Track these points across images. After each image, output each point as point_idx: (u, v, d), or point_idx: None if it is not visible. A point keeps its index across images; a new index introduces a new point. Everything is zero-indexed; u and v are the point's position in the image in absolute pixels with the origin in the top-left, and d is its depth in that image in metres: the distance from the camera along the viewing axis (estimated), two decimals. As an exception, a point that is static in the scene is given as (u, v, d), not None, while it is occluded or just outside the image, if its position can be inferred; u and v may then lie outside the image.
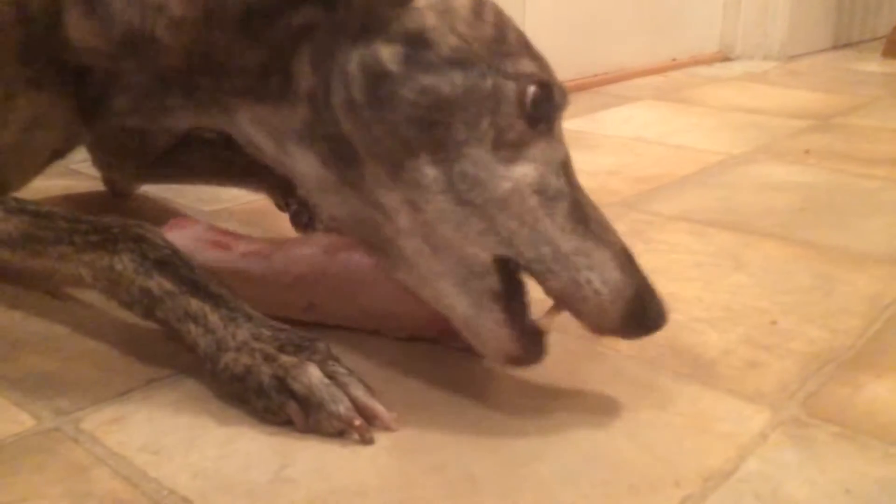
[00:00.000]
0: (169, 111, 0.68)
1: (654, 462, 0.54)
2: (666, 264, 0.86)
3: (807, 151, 1.33)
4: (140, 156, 0.93)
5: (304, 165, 0.61)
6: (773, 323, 0.73)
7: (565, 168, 0.59)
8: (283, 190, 0.90)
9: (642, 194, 1.10)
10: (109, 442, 0.54)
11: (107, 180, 1.03)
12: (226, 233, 0.71)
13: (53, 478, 0.51)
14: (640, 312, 0.56)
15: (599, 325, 0.57)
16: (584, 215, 0.58)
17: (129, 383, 0.61)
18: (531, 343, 0.58)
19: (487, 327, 0.57)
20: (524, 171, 0.57)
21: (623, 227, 0.97)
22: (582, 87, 1.82)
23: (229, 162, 0.93)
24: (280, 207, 0.91)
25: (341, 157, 0.59)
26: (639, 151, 1.33)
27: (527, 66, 0.58)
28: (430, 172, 0.56)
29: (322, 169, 0.60)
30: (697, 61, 2.22)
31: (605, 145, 1.37)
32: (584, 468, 0.53)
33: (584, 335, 0.69)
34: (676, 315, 0.74)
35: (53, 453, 0.53)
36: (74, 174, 1.10)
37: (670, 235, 0.95)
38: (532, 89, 0.57)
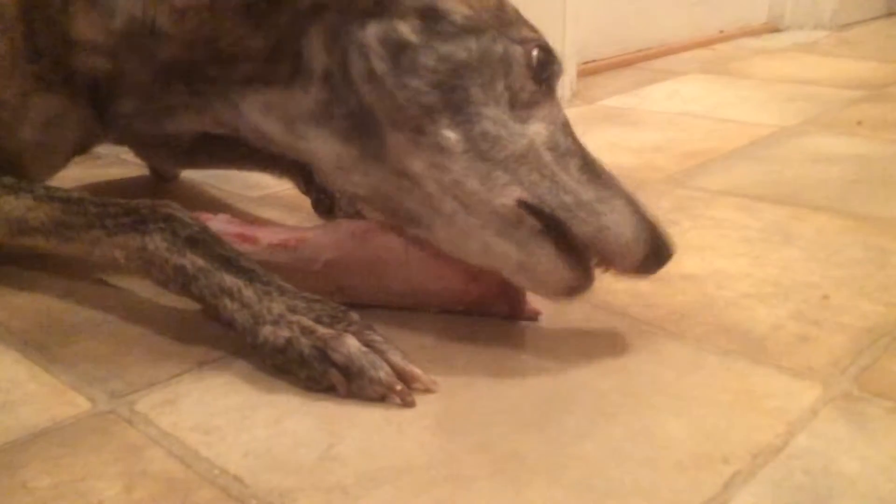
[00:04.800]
0: (171, 114, 0.70)
1: (702, 439, 0.53)
2: (713, 240, 0.85)
3: (859, 122, 1.30)
4: (169, 148, 0.96)
5: (322, 145, 0.64)
6: (825, 297, 0.72)
7: (569, 128, 0.63)
8: (303, 175, 0.92)
9: (689, 170, 1.08)
10: (163, 423, 0.56)
11: (150, 167, 1.06)
12: (248, 224, 0.71)
13: (109, 458, 0.52)
14: (657, 248, 0.62)
15: (626, 265, 0.62)
16: (594, 169, 0.62)
17: (180, 366, 0.62)
18: (584, 271, 0.62)
19: (542, 263, 0.61)
20: (536, 129, 0.61)
21: (669, 203, 0.97)
22: (626, 63, 1.78)
23: (252, 149, 0.95)
24: (303, 192, 0.93)
25: (363, 130, 0.62)
26: (685, 126, 1.31)
27: (527, 32, 0.62)
28: (450, 135, 0.59)
29: (342, 146, 0.63)
30: (745, 33, 2.18)
31: (651, 121, 1.35)
32: (630, 446, 0.53)
33: (629, 314, 0.70)
34: (724, 291, 0.73)
35: (109, 434, 0.55)
36: (124, 163, 1.12)
37: (718, 211, 0.93)
38: (536, 52, 0.61)
